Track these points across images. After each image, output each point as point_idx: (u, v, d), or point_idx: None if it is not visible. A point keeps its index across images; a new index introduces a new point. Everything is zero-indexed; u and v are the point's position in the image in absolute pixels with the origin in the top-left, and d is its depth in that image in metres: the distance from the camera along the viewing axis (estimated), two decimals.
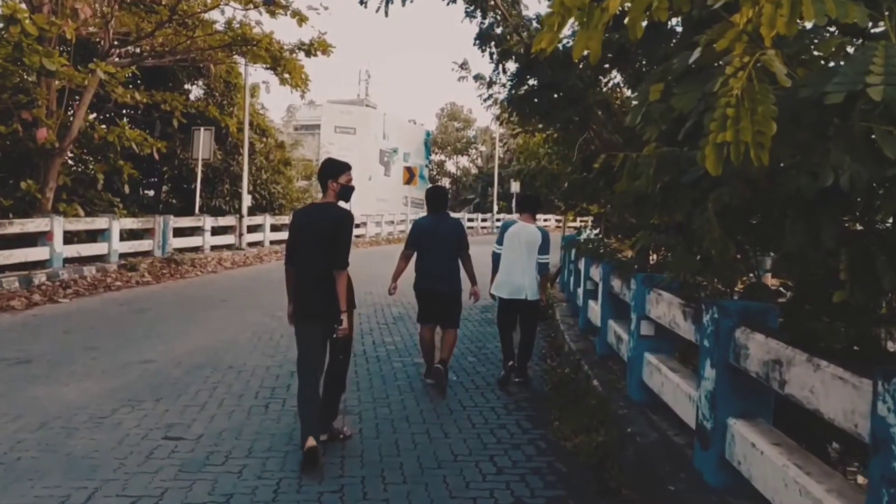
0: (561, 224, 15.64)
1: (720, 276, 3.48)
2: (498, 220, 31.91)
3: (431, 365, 5.08)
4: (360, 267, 13.69)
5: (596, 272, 5.56)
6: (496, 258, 5.28)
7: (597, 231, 7.01)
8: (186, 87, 16.42)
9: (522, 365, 5.19)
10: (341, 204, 3.82)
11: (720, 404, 2.76)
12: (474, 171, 46.89)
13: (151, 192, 17.12)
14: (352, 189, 3.83)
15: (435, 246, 4.97)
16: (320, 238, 3.65)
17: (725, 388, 2.76)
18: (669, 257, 4.71)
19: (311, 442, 3.47)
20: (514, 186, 28.94)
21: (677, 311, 3.43)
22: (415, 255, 5.11)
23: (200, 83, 16.73)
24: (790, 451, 2.29)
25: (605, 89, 6.80)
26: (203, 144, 14.26)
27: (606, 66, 6.18)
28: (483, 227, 31.10)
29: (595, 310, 5.53)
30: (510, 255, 5.15)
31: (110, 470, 3.43)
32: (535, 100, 6.15)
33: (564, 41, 6.22)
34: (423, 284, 5.02)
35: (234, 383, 5.06)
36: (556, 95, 5.92)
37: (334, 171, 3.77)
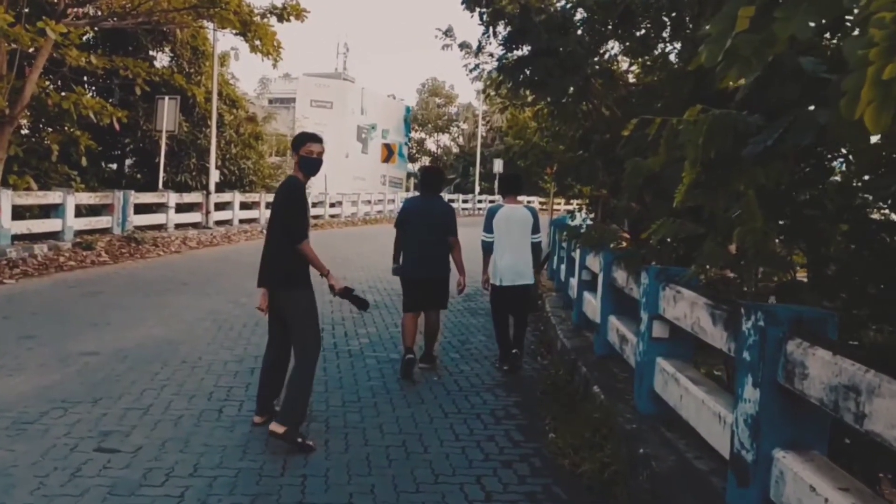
0: (546, 206, 15.14)
1: (747, 273, 3.00)
2: (479, 201, 31.26)
3: (411, 345, 4.80)
4: (335, 249, 13.06)
5: (594, 262, 5.05)
6: (487, 247, 4.98)
7: (591, 215, 6.49)
8: (151, 53, 15.34)
9: (507, 353, 4.96)
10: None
11: (765, 432, 2.26)
12: (455, 149, 46.06)
13: (114, 166, 16.08)
14: (313, 160, 3.59)
15: (423, 229, 4.76)
16: (273, 212, 3.71)
17: (772, 413, 2.26)
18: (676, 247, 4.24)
19: (255, 418, 3.72)
20: (498, 166, 28.31)
21: (703, 313, 2.93)
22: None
23: (166, 50, 15.64)
24: (864, 501, 1.81)
25: (603, 59, 6.23)
26: (168, 115, 13.30)
27: (607, 28, 5.59)
28: (464, 209, 30.39)
29: (592, 304, 5.03)
30: (503, 241, 4.88)
31: (26, 491, 2.85)
32: (529, 68, 5.54)
33: (563, 2, 5.62)
34: (410, 270, 4.81)
35: (186, 381, 4.45)
36: (551, 63, 5.32)
37: (296, 143, 3.67)
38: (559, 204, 13.20)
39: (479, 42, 5.95)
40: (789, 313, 2.29)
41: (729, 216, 2.89)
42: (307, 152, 3.55)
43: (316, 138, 3.66)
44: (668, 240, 4.09)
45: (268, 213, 17.45)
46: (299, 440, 3.37)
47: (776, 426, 2.27)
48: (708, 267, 3.86)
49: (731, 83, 1.52)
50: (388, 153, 28.71)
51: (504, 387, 4.63)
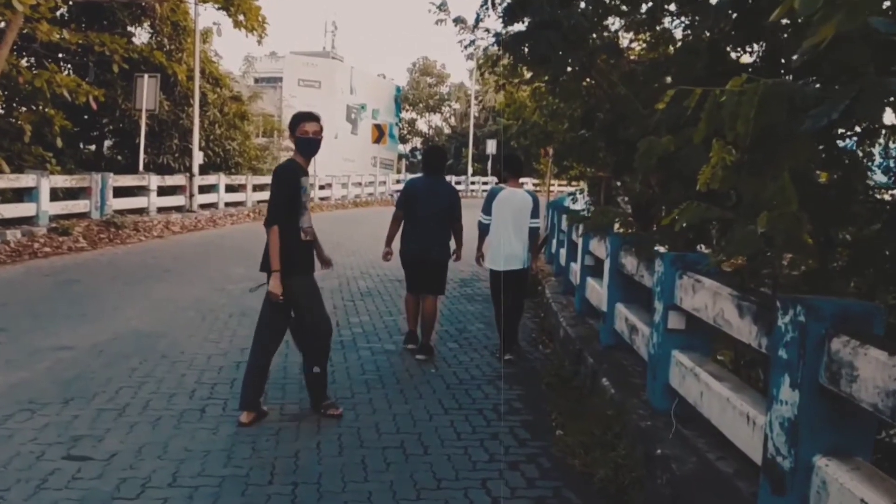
0: (540, 188, 14.85)
1: (777, 261, 2.77)
2: (472, 182, 30.83)
3: (414, 328, 4.90)
4: (324, 233, 12.62)
5: (599, 247, 4.80)
6: (484, 228, 4.87)
7: (592, 198, 6.23)
8: (130, 29, 14.68)
9: (510, 340, 4.87)
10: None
11: (805, 438, 2.04)
12: (447, 130, 45.43)
13: (93, 147, 15.48)
14: (309, 140, 3.50)
15: (427, 211, 4.65)
16: None
17: (813, 417, 2.04)
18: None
19: (242, 417, 3.48)
20: (491, 147, 27.84)
21: (727, 305, 2.69)
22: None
23: (145, 26, 14.98)
24: None
25: (604, 36, 5.90)
26: (147, 93, 12.74)
27: (612, 1, 5.27)
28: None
29: (597, 290, 4.79)
30: (502, 225, 4.78)
31: None
32: (530, 42, 5.19)
33: None
34: (411, 251, 4.69)
35: (166, 378, 4.17)
36: (554, 37, 4.99)
37: (291, 125, 3.59)
38: (553, 185, 12.94)
39: (477, 14, 5.59)
40: (833, 307, 2.06)
41: (759, 200, 2.64)
42: (302, 133, 3.48)
43: (310, 117, 3.55)
44: (685, 225, 3.85)
45: (255, 195, 17.12)
46: (322, 411, 3.60)
47: (817, 431, 2.05)
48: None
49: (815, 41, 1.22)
50: (379, 134, 28.12)
51: (506, 379, 4.39)
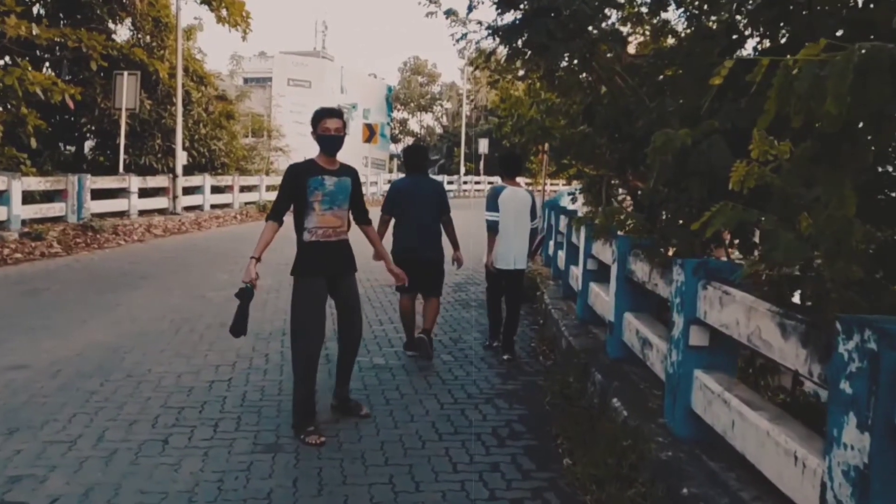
0: (532, 187, 14.49)
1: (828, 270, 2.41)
2: (465, 182, 30.44)
3: (412, 335, 4.77)
4: None
5: (604, 250, 4.43)
6: (494, 226, 4.75)
7: (590, 198, 5.86)
8: (110, 26, 14.15)
9: (509, 339, 4.83)
10: (347, 161, 3.75)
11: (877, 491, 1.68)
12: (439, 130, 45.06)
13: (73, 148, 14.93)
14: (330, 138, 3.39)
15: (415, 209, 4.58)
16: None
17: (888, 467, 1.68)
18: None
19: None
20: (483, 146, 27.46)
21: (766, 323, 2.31)
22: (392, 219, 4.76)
23: (126, 22, 14.46)
24: None
25: (602, 28, 5.53)
26: (127, 91, 12.26)
27: None
28: (449, 191, 29.31)
29: (602, 297, 4.42)
30: (511, 223, 4.72)
31: None
32: (527, 31, 4.81)
33: None
34: (403, 251, 4.52)
35: (128, 402, 3.74)
36: (553, 25, 4.61)
37: (312, 123, 3.43)
38: (546, 184, 12.59)
39: (471, 1, 5.21)
40: None
41: (803, 201, 2.27)
42: (324, 130, 3.39)
43: (332, 113, 3.46)
44: (687, 226, 3.48)
45: (242, 197, 16.64)
46: (301, 437, 3.27)
47: (894, 483, 1.69)
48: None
49: None
50: (370, 133, 27.64)
51: (505, 396, 4.00)
